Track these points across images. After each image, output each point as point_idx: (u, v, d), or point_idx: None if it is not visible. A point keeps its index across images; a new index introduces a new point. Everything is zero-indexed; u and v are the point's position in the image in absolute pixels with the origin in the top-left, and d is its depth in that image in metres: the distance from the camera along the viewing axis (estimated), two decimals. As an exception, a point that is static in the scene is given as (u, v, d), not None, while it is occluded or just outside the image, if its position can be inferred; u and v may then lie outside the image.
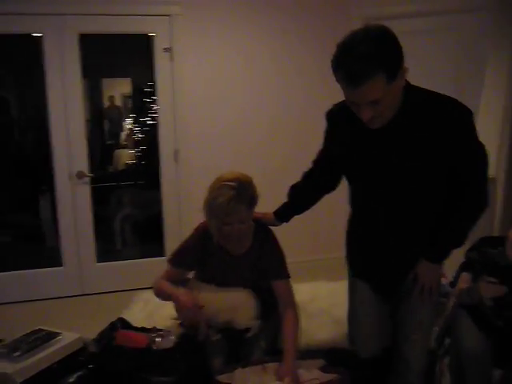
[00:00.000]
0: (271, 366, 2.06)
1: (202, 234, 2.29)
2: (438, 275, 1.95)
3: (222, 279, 2.30)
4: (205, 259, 2.31)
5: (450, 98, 1.74)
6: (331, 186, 2.24)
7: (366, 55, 1.52)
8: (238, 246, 2.28)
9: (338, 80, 1.64)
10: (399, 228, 1.87)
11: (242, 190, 2.09)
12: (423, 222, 1.85)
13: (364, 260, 2.05)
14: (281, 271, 2.28)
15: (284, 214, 2.33)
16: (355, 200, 2.02)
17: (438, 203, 1.83)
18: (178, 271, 2.34)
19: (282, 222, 2.34)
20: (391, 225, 1.88)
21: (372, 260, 2.00)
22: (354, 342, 2.09)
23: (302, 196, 2.29)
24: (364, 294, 2.05)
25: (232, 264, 2.29)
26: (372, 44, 1.53)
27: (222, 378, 2.01)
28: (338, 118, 1.92)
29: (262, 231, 2.32)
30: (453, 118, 1.69)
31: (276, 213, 2.33)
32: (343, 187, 2.13)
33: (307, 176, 2.26)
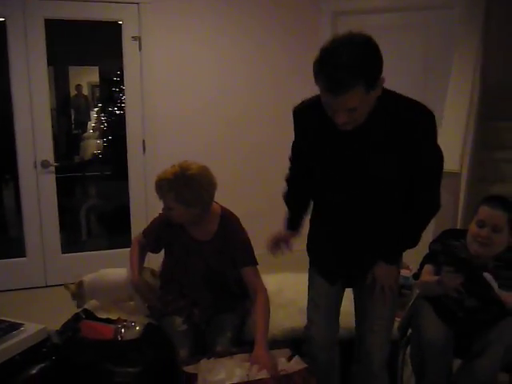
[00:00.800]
0: (238, 356, 2.06)
1: (166, 218, 2.34)
2: (395, 275, 1.99)
3: (186, 264, 2.33)
4: (170, 242, 2.36)
5: (416, 102, 1.78)
6: None
7: (349, 65, 1.52)
8: (201, 232, 2.31)
9: (317, 83, 1.64)
10: (361, 225, 1.92)
11: (172, 181, 2.17)
12: (384, 220, 1.90)
13: (325, 254, 2.08)
14: (248, 258, 2.30)
15: (294, 223, 2.24)
16: (319, 195, 2.04)
17: (398, 203, 1.88)
18: (144, 240, 2.48)
19: (298, 230, 2.24)
20: (353, 221, 1.93)
21: (333, 255, 2.04)
22: (310, 329, 2.11)
23: (298, 201, 2.22)
24: (321, 286, 2.09)
25: (196, 249, 2.31)
26: (355, 54, 1.54)
27: (188, 368, 2.00)
28: (307, 116, 1.91)
29: (228, 219, 2.33)
30: (417, 121, 1.74)
31: (288, 226, 2.25)
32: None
33: (291, 181, 2.22)
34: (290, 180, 2.21)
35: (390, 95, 1.76)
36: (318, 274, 2.09)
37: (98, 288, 2.61)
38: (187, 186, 2.16)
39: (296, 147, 2.10)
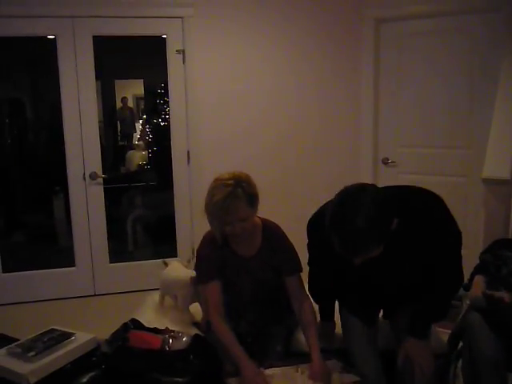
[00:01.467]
0: (288, 368, 2.06)
1: (211, 242, 2.26)
2: (428, 351, 1.99)
3: (236, 283, 2.29)
4: (222, 266, 2.27)
5: (422, 194, 1.91)
6: None
7: (363, 231, 1.55)
8: (248, 247, 2.27)
9: (330, 237, 1.64)
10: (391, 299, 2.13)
11: (238, 188, 2.07)
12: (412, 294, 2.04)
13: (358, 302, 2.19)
14: (293, 266, 2.28)
15: (328, 313, 2.35)
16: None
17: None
18: (213, 285, 2.25)
19: (332, 319, 2.34)
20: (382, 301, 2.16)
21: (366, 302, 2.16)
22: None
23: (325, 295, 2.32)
24: (357, 329, 2.15)
25: (245, 266, 2.27)
26: (368, 219, 1.55)
27: (233, 380, 2.00)
28: (320, 234, 1.82)
29: (270, 229, 2.30)
30: (432, 213, 1.86)
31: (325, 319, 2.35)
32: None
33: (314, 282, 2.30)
34: (313, 280, 2.28)
35: (409, 214, 1.78)
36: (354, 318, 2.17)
37: (165, 277, 2.75)
38: (251, 183, 2.13)
39: (315, 257, 2.19)
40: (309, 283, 2.29)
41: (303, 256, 2.28)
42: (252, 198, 2.11)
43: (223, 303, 2.25)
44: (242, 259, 2.27)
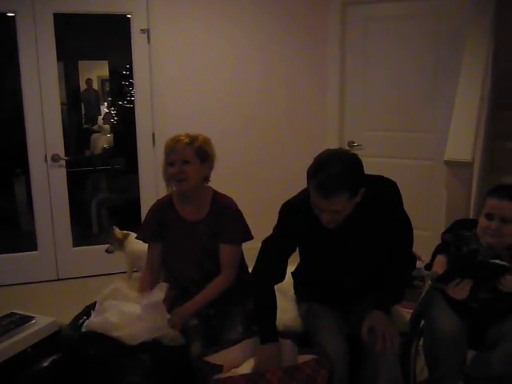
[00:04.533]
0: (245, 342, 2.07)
1: (159, 206, 2.38)
2: (391, 321, 2.06)
3: (182, 247, 2.32)
4: (165, 231, 2.35)
5: (376, 177, 2.08)
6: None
7: (337, 176, 1.81)
8: (195, 212, 2.31)
9: (308, 185, 1.89)
10: (353, 282, 2.18)
11: (190, 137, 2.25)
12: (373, 275, 2.18)
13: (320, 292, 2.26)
14: (233, 236, 2.31)
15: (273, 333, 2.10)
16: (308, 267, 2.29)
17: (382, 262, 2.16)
18: (153, 246, 2.40)
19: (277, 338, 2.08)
20: (344, 283, 2.19)
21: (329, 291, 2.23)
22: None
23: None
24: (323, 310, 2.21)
25: (190, 231, 2.31)
26: (344, 168, 1.83)
27: (210, 358, 1.98)
28: (297, 212, 2.09)
29: (220, 197, 2.36)
30: (381, 192, 2.06)
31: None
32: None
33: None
34: (264, 274, 2.15)
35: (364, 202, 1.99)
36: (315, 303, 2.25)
37: (134, 248, 2.88)
38: (206, 143, 2.29)
39: (277, 239, 2.15)
40: (254, 271, 2.18)
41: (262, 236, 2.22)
42: (201, 152, 2.25)
43: (168, 265, 2.40)
44: (188, 222, 2.32)
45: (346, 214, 1.93)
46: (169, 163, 2.23)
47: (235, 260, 2.34)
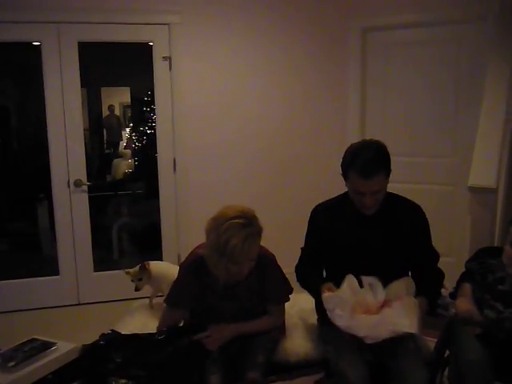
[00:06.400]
0: None
1: (193, 269, 2.21)
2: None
3: (218, 309, 2.24)
4: (202, 294, 2.23)
5: (413, 202, 2.34)
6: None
7: (373, 158, 2.08)
8: (235, 274, 2.19)
9: (348, 177, 2.14)
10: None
11: (252, 227, 2.02)
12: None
13: None
14: (279, 296, 2.29)
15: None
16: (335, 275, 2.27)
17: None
18: (176, 312, 2.28)
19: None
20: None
21: None
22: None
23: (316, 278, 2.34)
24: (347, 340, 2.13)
25: (229, 294, 2.22)
26: (376, 152, 2.13)
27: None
28: (326, 214, 2.31)
29: (264, 256, 2.21)
30: (419, 214, 2.30)
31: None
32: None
33: (305, 267, 2.40)
34: (303, 266, 2.40)
35: (389, 194, 2.27)
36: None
37: (161, 273, 2.83)
38: (257, 218, 2.09)
39: (312, 241, 2.37)
40: (298, 270, 2.41)
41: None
42: (261, 235, 2.09)
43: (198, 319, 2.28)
44: (226, 286, 2.20)
45: (382, 197, 2.16)
46: (234, 262, 2.04)
47: (283, 312, 2.36)
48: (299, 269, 2.41)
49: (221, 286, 2.18)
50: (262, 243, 2.15)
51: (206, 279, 2.18)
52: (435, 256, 2.35)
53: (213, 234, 2.03)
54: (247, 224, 2.00)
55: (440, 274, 2.32)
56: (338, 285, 2.24)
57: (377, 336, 1.96)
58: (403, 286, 2.10)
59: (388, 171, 2.13)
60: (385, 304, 2.03)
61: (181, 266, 2.30)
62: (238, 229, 1.98)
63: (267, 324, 2.28)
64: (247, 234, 1.99)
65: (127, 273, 2.93)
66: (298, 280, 2.38)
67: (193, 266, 2.21)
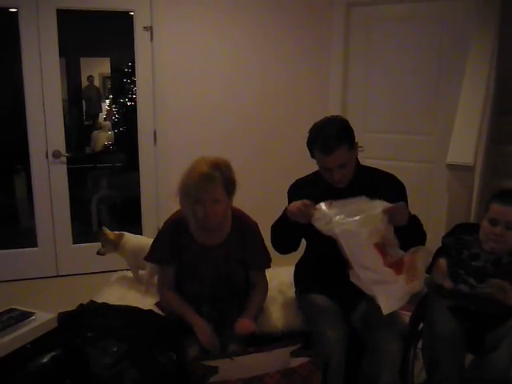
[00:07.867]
0: (255, 355, 2.04)
1: (173, 227, 2.24)
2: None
3: (195, 272, 2.25)
4: (179, 253, 2.25)
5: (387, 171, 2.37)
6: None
7: (334, 133, 2.13)
8: (212, 236, 2.22)
9: (313, 155, 2.20)
10: None
11: (216, 170, 2.07)
12: None
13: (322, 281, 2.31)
14: (261, 262, 2.30)
15: None
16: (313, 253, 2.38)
17: None
18: (167, 269, 2.29)
19: None
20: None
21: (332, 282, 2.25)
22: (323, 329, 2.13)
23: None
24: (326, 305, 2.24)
25: (206, 256, 2.23)
26: (337, 126, 2.18)
27: (207, 362, 1.94)
28: (303, 189, 2.34)
29: (242, 219, 2.26)
30: (393, 182, 2.32)
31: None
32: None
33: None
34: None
35: (364, 167, 2.35)
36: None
37: (134, 246, 2.76)
38: (230, 169, 2.15)
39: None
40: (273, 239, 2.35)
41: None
42: (229, 183, 2.11)
43: (182, 289, 2.28)
44: (203, 248, 2.23)
45: (351, 171, 2.20)
46: (196, 201, 2.09)
47: (267, 281, 2.36)
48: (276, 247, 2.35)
49: (198, 246, 2.22)
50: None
51: (184, 237, 2.23)
52: (416, 220, 2.23)
53: (182, 177, 2.12)
54: (212, 167, 2.06)
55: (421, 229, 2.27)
56: (318, 260, 2.29)
57: (360, 284, 1.99)
58: (424, 255, 2.07)
59: (351, 144, 2.16)
60: (402, 264, 2.02)
61: (163, 223, 2.33)
62: (202, 165, 2.07)
63: (261, 294, 2.30)
64: (207, 172, 2.04)
65: (104, 231, 2.90)
66: (271, 234, 2.33)
67: (173, 225, 2.25)
